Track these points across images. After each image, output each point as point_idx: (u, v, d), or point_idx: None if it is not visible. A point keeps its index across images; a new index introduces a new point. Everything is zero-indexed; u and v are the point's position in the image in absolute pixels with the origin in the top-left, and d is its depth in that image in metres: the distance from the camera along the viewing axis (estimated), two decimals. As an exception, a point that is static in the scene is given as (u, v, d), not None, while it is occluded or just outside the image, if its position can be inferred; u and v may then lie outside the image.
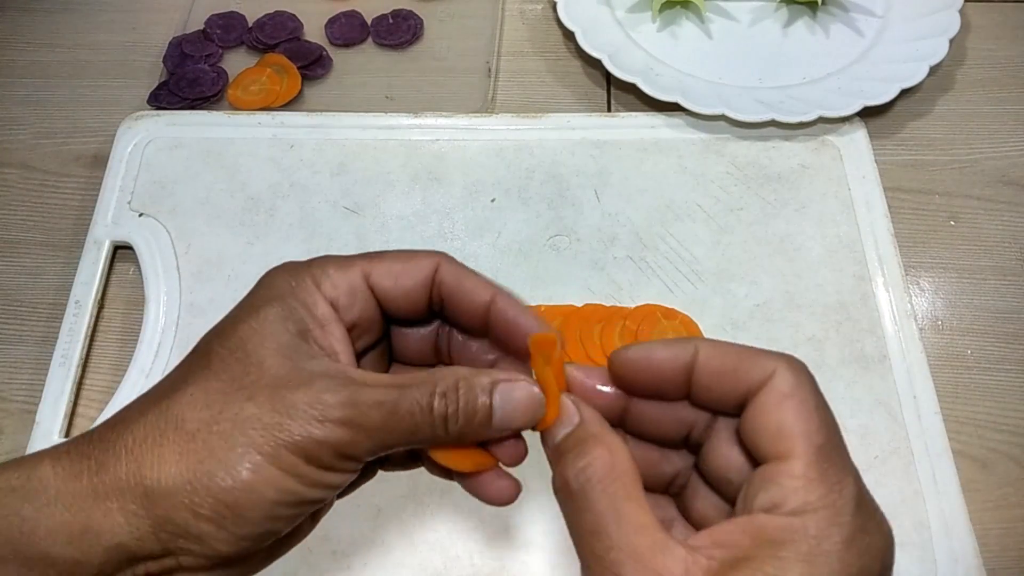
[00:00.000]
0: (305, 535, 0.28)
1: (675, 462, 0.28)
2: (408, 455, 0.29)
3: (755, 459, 0.24)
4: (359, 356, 0.28)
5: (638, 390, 0.26)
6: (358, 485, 0.30)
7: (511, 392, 0.25)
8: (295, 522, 0.25)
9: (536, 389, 0.26)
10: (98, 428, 0.25)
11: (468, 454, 0.27)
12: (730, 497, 0.25)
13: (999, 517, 0.43)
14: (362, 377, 0.25)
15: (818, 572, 0.21)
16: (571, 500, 0.24)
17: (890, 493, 0.42)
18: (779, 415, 0.23)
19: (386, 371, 0.31)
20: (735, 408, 0.24)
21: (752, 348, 0.24)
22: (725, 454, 0.25)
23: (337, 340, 0.26)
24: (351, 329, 0.27)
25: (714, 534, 0.22)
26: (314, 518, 0.28)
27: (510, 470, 0.28)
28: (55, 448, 0.25)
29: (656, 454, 0.28)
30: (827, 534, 0.21)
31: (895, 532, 0.42)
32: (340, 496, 0.29)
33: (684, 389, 0.25)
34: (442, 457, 0.27)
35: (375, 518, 0.42)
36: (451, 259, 0.28)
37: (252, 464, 0.23)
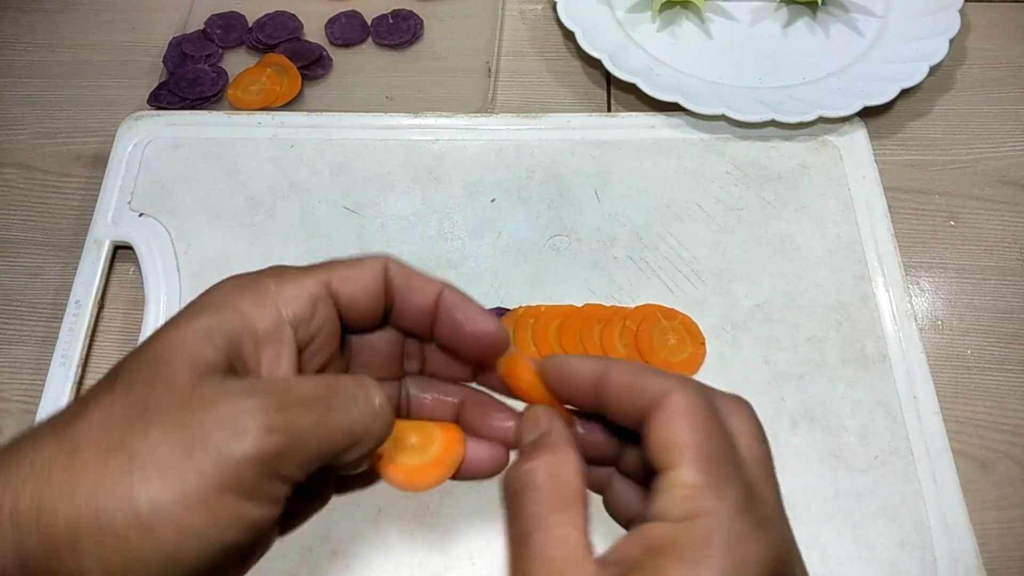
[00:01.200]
0: None
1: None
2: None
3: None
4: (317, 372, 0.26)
5: (559, 398, 0.27)
6: (310, 512, 0.27)
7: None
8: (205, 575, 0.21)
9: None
10: (3, 446, 0.22)
11: (425, 470, 0.26)
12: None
13: (999, 517, 0.43)
14: (288, 380, 0.23)
15: None
16: (508, 499, 0.24)
17: (890, 493, 0.43)
18: (669, 429, 0.23)
19: None
20: (638, 426, 0.25)
21: (657, 371, 0.25)
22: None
23: (274, 357, 0.24)
24: (309, 342, 0.25)
25: (616, 548, 0.22)
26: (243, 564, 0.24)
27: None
28: None
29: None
30: (709, 540, 0.21)
31: (895, 531, 0.42)
32: (283, 531, 0.26)
33: (597, 403, 0.26)
34: (397, 478, 0.26)
35: (375, 518, 0.42)
36: (397, 259, 0.27)
37: (151, 498, 0.20)
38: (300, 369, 0.25)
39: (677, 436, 0.23)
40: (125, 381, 0.22)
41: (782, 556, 0.22)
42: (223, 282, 0.25)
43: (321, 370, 0.26)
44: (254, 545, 0.23)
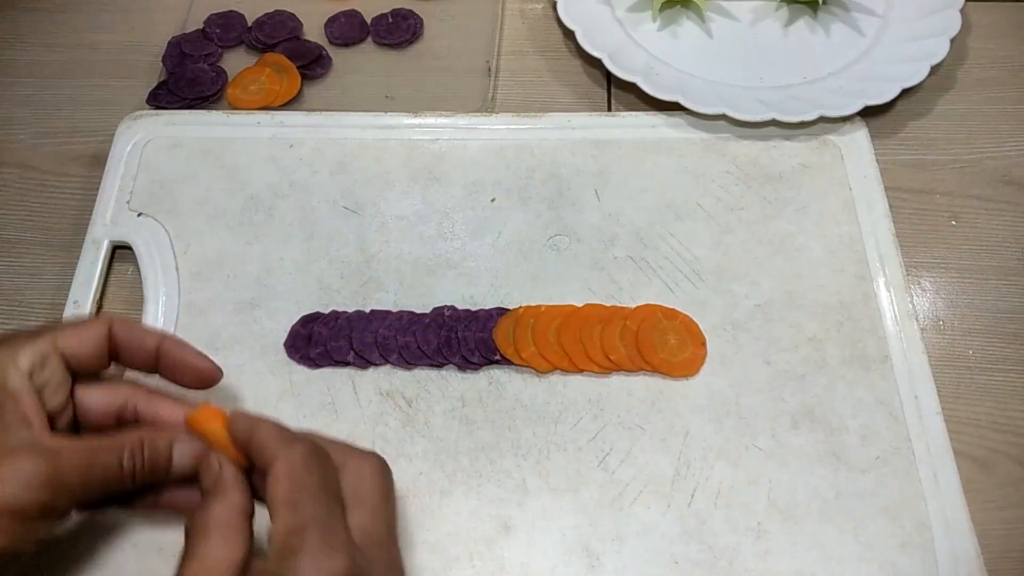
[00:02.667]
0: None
1: None
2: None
3: None
4: (51, 417, 0.34)
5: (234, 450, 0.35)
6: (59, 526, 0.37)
7: (183, 447, 0.34)
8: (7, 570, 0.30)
9: (200, 446, 0.35)
10: None
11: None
12: None
13: (1000, 517, 0.43)
14: (58, 445, 0.32)
15: None
16: (187, 533, 0.31)
17: (891, 493, 0.42)
18: (273, 489, 0.31)
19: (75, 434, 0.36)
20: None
21: (278, 434, 0.33)
22: None
23: (30, 409, 0.32)
24: (42, 390, 0.33)
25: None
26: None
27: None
28: None
29: None
30: (298, 569, 0.29)
31: (897, 532, 0.42)
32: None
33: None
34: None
35: (375, 519, 0.42)
36: (121, 319, 0.37)
37: None
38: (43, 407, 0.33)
39: (274, 495, 0.31)
40: None
41: (356, 572, 0.30)
42: None
43: (58, 409, 0.34)
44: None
